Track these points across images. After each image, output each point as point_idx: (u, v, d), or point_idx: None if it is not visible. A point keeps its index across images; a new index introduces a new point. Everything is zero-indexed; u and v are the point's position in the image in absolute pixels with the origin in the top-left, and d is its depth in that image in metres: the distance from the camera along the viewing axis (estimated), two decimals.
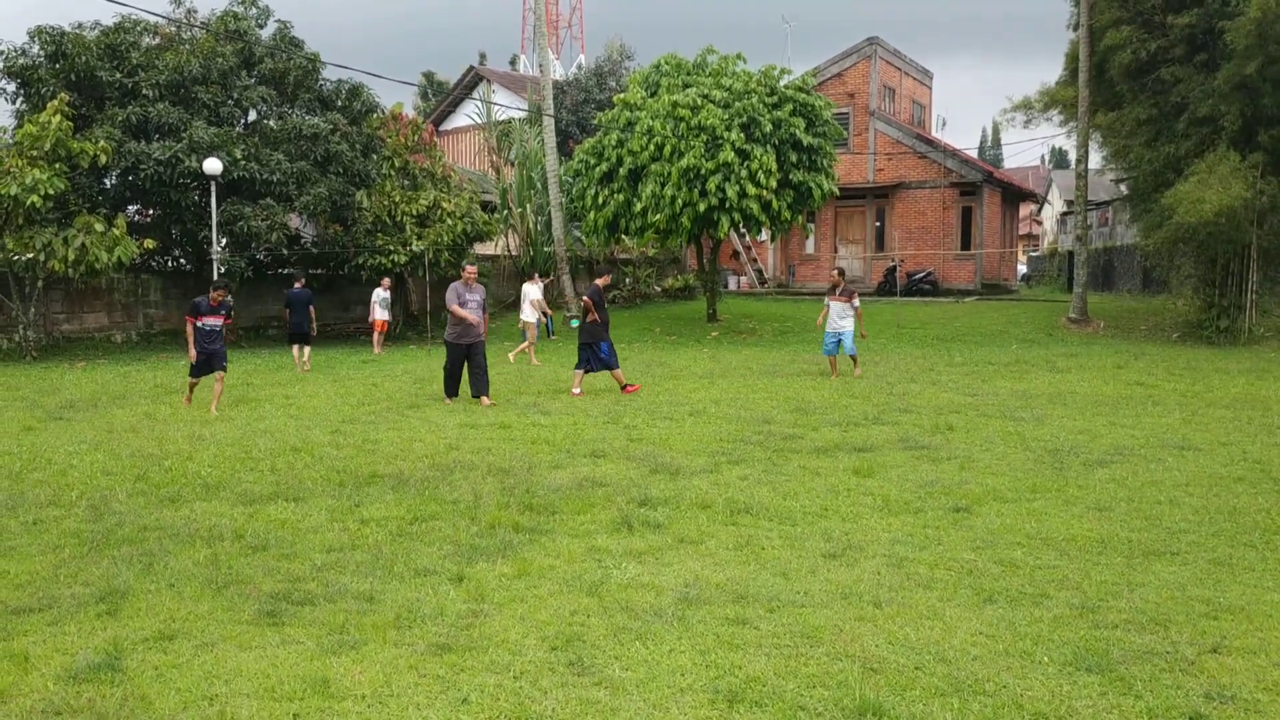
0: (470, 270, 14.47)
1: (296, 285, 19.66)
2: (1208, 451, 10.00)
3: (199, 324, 13.23)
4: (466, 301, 13.89)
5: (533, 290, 21.44)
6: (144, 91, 22.16)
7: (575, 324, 22.93)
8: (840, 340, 16.61)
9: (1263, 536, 6.83)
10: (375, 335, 22.76)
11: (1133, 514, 7.48)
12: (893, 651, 4.82)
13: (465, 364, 14.02)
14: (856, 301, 16.74)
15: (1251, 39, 20.39)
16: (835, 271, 17.17)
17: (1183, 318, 24.67)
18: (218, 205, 21.79)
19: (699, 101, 24.40)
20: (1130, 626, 5.14)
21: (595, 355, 14.81)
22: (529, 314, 20.93)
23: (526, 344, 20.69)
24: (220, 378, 13.35)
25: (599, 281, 15.32)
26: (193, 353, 13.28)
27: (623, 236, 27.35)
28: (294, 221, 25.28)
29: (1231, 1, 21.44)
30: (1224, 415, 12.44)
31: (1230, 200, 20.42)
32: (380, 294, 22.71)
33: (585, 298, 14.97)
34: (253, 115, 24.89)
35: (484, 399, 13.82)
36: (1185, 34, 22.47)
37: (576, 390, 14.87)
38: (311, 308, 19.30)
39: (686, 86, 25.45)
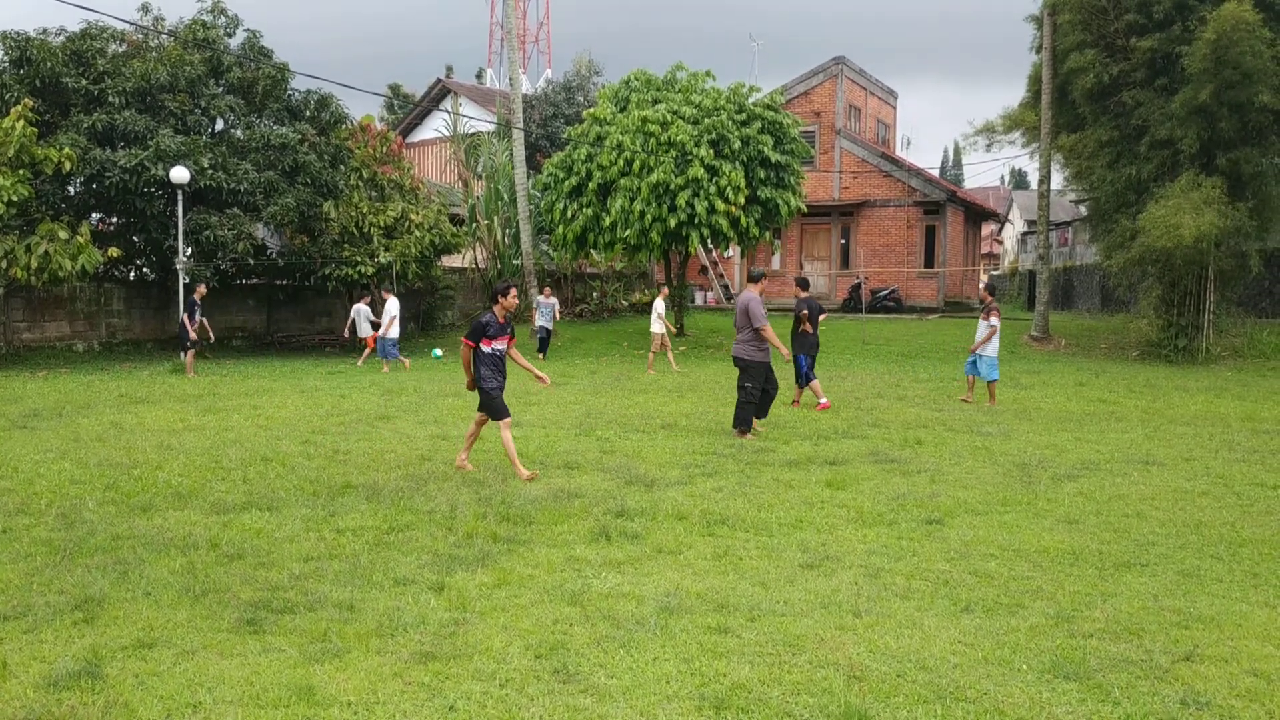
0: (766, 280, 13.00)
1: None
2: (1171, 466, 10.19)
3: (487, 349, 9.61)
4: None
5: (661, 304, 21.59)
6: (110, 99, 21.91)
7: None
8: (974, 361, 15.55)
9: (1228, 549, 6.98)
10: (364, 350, 22.58)
11: (1102, 526, 7.61)
12: (874, 659, 4.88)
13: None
14: (994, 319, 15.29)
15: (1207, 63, 20.81)
16: (985, 289, 16.09)
17: (1142, 337, 25.05)
18: (184, 214, 21.59)
19: (668, 117, 24.56)
20: (1105, 635, 5.24)
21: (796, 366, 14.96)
22: (657, 326, 21.15)
23: (659, 350, 21.42)
24: (484, 420, 9.87)
25: (805, 294, 15.30)
26: (470, 380, 9.78)
27: (591, 251, 27.41)
28: (260, 231, 25.10)
29: (1192, 28, 21.87)
30: (1185, 431, 12.66)
31: (1206, 227, 20.80)
32: (363, 309, 22.71)
33: (805, 310, 15.00)
34: (220, 124, 24.68)
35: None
36: (1147, 58, 22.91)
37: (824, 401, 14.76)
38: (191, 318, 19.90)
39: (656, 102, 25.62)
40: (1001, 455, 10.76)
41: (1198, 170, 22.14)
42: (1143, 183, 23.26)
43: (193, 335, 19.76)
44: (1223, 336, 24.05)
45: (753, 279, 12.97)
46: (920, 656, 4.93)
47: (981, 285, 16.36)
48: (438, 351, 24.43)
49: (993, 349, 15.31)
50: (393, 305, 21.32)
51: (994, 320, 15.22)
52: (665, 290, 22.99)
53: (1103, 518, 7.90)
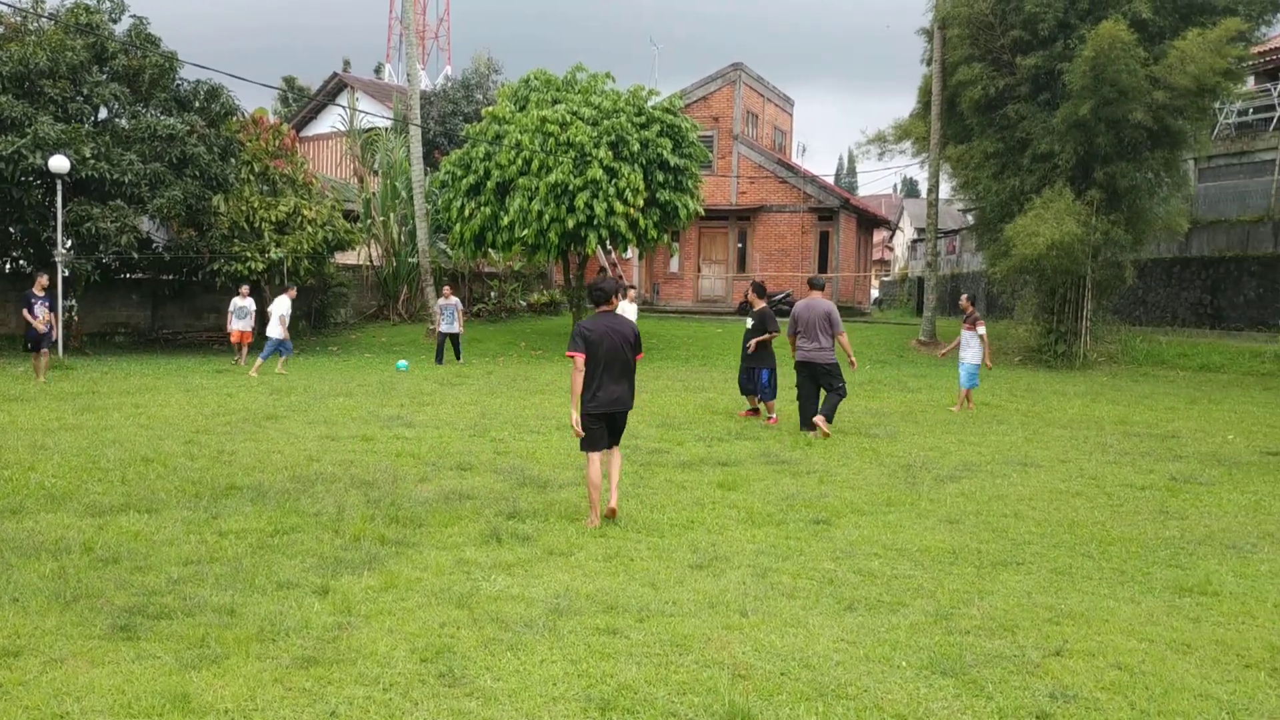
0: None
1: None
2: (1048, 468, 10.56)
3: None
4: None
5: (631, 308, 20.94)
6: None
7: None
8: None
9: (1099, 547, 7.26)
10: (241, 348, 21.63)
11: (981, 526, 7.85)
12: (759, 658, 4.95)
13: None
14: (981, 329, 15.29)
15: (1087, 79, 21.64)
16: (966, 299, 15.87)
17: (1023, 343, 25.91)
18: (64, 205, 20.78)
19: (568, 118, 24.52)
20: (981, 632, 5.41)
21: (757, 379, 14.30)
22: None
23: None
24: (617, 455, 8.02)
25: (762, 302, 14.50)
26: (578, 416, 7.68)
27: (489, 250, 27.20)
28: (145, 224, 24.29)
29: (1073, 46, 22.72)
30: (1062, 434, 13.13)
31: (1063, 236, 21.62)
32: (238, 303, 21.66)
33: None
34: (104, 113, 23.80)
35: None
36: (1031, 73, 23.72)
37: (746, 411, 14.60)
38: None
39: (556, 102, 25.55)
40: (888, 457, 11.02)
41: (1065, 182, 22.99)
42: (1025, 194, 24.04)
43: (41, 328, 16.89)
44: (1099, 343, 25.04)
45: (817, 286, 13.25)
46: (804, 655, 5.02)
47: (963, 296, 16.36)
48: (403, 363, 22.23)
49: (972, 356, 15.30)
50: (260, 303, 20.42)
51: (980, 329, 15.24)
52: (632, 293, 22.36)
53: (982, 518, 8.15)
